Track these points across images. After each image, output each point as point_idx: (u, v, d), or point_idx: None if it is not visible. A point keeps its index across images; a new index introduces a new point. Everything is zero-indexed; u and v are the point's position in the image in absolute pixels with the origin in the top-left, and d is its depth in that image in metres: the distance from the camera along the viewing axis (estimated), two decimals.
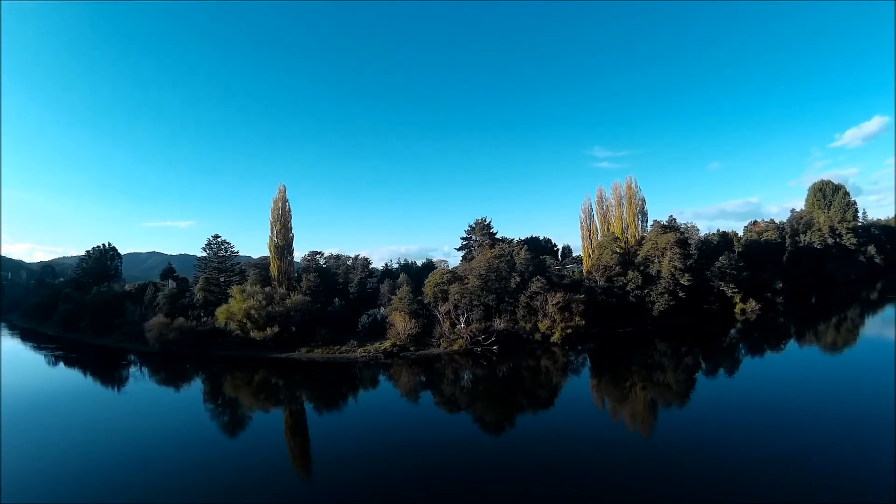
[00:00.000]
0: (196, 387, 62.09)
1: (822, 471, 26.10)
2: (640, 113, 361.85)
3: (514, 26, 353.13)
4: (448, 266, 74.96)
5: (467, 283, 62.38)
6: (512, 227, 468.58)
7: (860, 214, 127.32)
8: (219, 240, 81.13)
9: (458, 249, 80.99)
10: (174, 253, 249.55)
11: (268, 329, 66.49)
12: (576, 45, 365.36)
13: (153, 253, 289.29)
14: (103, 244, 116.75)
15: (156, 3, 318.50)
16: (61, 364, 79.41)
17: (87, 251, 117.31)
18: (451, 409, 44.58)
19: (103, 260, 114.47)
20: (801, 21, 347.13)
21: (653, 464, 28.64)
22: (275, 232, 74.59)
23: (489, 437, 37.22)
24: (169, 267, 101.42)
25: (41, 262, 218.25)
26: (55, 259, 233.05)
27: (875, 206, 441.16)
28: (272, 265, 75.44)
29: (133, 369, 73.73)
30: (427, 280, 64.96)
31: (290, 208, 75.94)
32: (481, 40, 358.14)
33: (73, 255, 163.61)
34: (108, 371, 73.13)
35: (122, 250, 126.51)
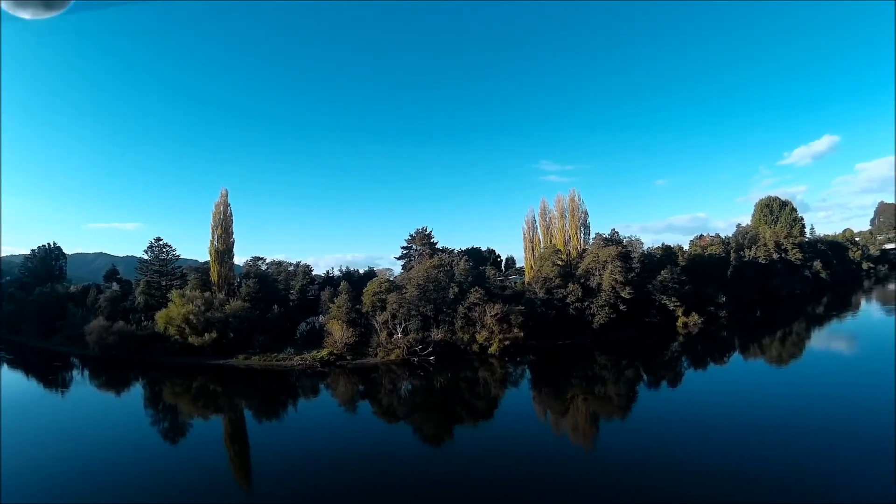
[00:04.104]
0: (136, 392, 61.31)
1: (766, 483, 25.83)
2: (588, 128, 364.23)
3: (463, 35, 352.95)
4: (393, 274, 74.75)
5: (405, 293, 62.21)
6: (456, 237, 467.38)
7: (807, 230, 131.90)
8: (160, 243, 79.87)
9: (398, 259, 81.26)
10: (121, 255, 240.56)
11: (206, 335, 65.65)
12: (524, 56, 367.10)
13: (100, 254, 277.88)
14: (48, 243, 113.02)
15: None
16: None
17: (32, 250, 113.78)
18: (389, 420, 44.64)
19: (48, 260, 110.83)
20: (750, 41, 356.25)
21: (597, 476, 28.82)
22: (216, 237, 73.51)
23: (429, 449, 37.28)
24: (112, 269, 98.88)
25: None
26: (3, 257, 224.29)
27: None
28: (212, 270, 74.28)
29: (68, 374, 72.53)
30: (365, 289, 64.55)
31: (231, 213, 75.25)
32: (429, 48, 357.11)
33: (21, 253, 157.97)
34: (43, 375, 71.34)
35: (69, 250, 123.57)
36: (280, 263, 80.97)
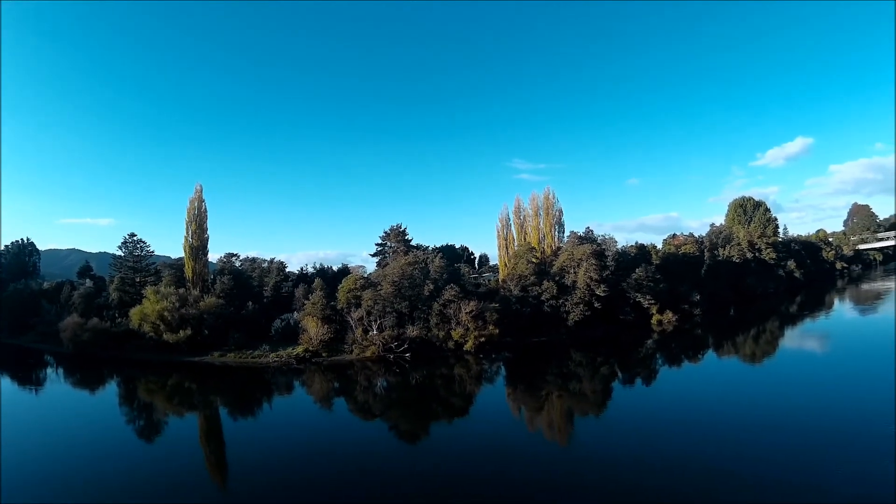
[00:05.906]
0: (111, 390, 60.96)
1: (739, 481, 25.53)
2: (560, 127, 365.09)
3: (435, 33, 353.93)
4: (366, 271, 75.07)
5: (380, 290, 62.37)
6: (430, 235, 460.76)
7: (781, 230, 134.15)
8: (134, 238, 79.36)
9: (373, 255, 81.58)
10: (94, 251, 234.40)
11: (181, 332, 65.41)
12: (494, 54, 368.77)
13: (73, 250, 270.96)
14: (21, 239, 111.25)
15: None
16: None
17: (6, 246, 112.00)
18: (365, 417, 44.64)
19: (21, 256, 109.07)
20: (724, 41, 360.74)
21: (571, 473, 28.80)
22: (190, 232, 73.22)
23: (405, 446, 37.28)
24: (86, 265, 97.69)
25: None
26: None
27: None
28: (187, 266, 73.91)
29: (42, 371, 72.00)
30: (341, 285, 64.69)
31: (206, 209, 75.02)
32: (401, 45, 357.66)
33: None
34: (17, 373, 71.13)
35: (41, 246, 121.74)
36: (254, 260, 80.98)
